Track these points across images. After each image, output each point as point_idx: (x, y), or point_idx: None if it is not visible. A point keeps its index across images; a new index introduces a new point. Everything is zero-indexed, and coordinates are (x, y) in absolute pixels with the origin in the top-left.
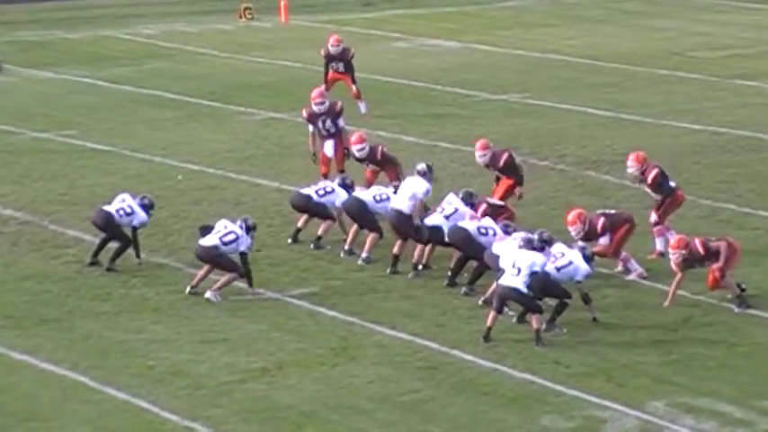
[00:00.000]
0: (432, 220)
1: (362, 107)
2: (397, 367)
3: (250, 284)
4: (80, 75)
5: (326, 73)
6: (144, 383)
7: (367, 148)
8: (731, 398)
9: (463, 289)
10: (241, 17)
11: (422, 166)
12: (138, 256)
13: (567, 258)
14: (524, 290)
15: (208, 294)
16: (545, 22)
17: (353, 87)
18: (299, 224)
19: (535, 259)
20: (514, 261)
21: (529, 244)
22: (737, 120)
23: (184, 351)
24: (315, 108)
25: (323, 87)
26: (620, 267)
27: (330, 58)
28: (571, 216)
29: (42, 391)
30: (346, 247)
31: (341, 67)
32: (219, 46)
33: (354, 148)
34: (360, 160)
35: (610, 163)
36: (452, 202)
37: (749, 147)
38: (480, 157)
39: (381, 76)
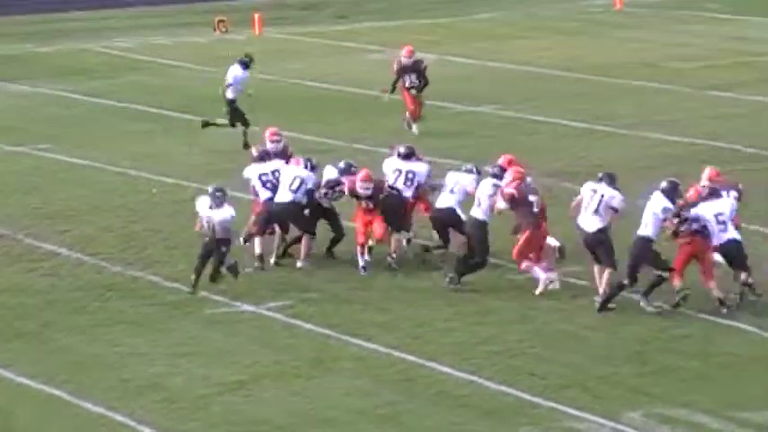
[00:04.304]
0: (442, 201)
1: (415, 128)
2: (374, 379)
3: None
4: (55, 88)
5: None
6: (120, 397)
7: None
8: (707, 408)
9: (448, 276)
10: (215, 30)
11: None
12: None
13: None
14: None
15: (300, 264)
16: (519, 34)
17: (414, 107)
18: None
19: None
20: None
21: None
22: (712, 131)
23: (160, 364)
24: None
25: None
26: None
27: (403, 71)
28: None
29: (18, 406)
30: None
31: (414, 78)
32: (194, 59)
33: (360, 186)
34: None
35: (585, 174)
36: (452, 177)
37: (724, 158)
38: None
39: (356, 87)
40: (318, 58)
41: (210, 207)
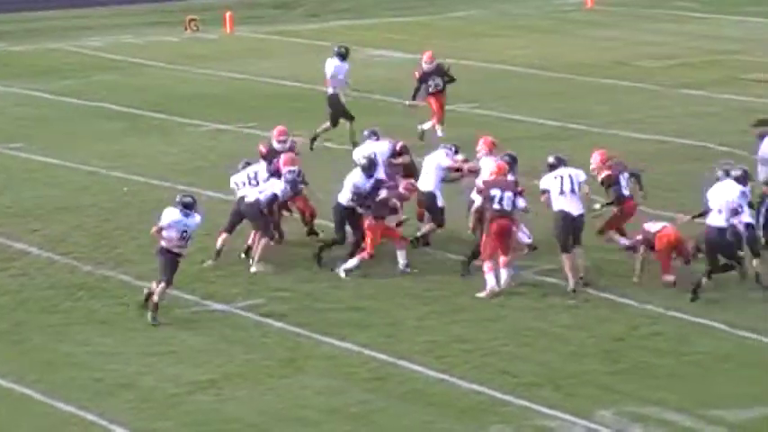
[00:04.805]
0: (421, 185)
1: (440, 131)
2: (346, 378)
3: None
4: (26, 87)
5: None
6: (92, 396)
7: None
8: (679, 406)
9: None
10: (187, 29)
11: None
12: None
13: None
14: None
15: (253, 269)
16: (494, 32)
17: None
18: (250, 241)
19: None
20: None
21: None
22: (682, 129)
23: (132, 363)
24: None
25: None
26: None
27: (426, 75)
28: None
29: None
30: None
31: (438, 81)
32: (165, 58)
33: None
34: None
35: None
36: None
37: (694, 156)
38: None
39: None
40: (290, 56)
41: (188, 216)
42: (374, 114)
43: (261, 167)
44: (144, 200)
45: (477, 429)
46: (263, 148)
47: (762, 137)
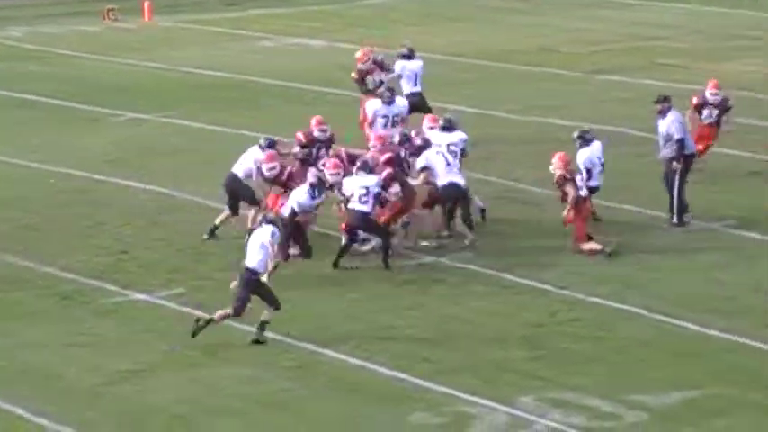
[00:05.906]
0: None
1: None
2: (268, 367)
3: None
4: None
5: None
6: (15, 388)
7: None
8: (599, 392)
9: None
10: (105, 18)
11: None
12: None
13: None
14: None
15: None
16: (411, 19)
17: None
18: (217, 221)
19: None
20: None
21: None
22: (602, 115)
23: (55, 354)
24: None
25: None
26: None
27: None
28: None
29: None
30: None
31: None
32: (85, 47)
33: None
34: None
35: (474, 160)
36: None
37: (613, 141)
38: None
39: (247, 75)
40: (209, 45)
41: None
42: (288, 101)
43: (246, 157)
44: (68, 191)
45: (399, 416)
46: (301, 137)
47: (663, 113)
